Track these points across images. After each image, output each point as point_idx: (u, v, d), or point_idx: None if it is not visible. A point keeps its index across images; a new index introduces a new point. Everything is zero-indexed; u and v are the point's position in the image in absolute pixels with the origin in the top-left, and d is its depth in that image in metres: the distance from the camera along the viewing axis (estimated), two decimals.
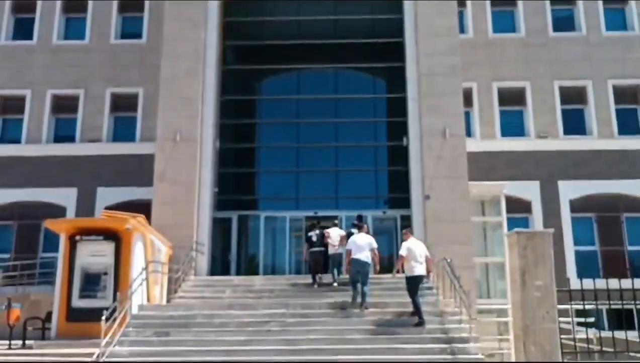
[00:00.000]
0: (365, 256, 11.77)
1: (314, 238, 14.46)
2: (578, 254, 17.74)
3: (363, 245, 11.86)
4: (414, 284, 11.21)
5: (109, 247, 12.73)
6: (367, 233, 13.01)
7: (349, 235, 13.34)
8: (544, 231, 9.03)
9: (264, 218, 17.66)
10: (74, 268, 12.64)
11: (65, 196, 18.33)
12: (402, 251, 11.37)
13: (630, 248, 18.05)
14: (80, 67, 19.35)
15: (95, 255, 12.70)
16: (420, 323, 10.99)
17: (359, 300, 11.83)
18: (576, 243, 17.88)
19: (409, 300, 11.40)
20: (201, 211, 16.28)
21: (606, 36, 19.57)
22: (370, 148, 18.15)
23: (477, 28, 19.69)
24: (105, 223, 13.24)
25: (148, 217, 14.92)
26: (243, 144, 18.50)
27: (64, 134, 19.29)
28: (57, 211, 17.90)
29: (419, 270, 11.25)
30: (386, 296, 12.91)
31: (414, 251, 11.34)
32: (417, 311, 11.08)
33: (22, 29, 20.02)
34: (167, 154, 16.31)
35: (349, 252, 11.95)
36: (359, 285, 11.83)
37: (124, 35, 19.99)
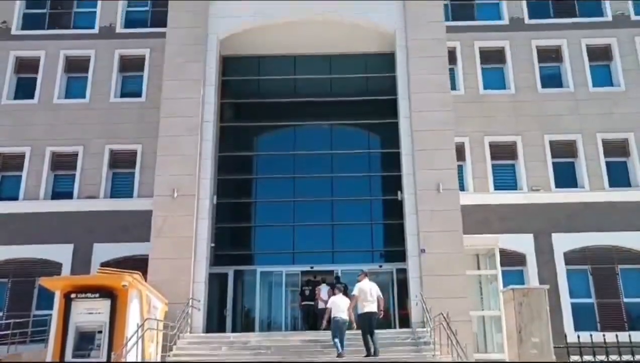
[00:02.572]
0: (344, 314, 12.65)
1: (307, 292, 16.44)
2: (574, 306, 17.65)
3: (341, 306, 12.76)
4: (365, 320, 12.20)
5: (104, 305, 12.59)
6: (345, 294, 13.50)
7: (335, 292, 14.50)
8: (539, 287, 9.16)
9: (260, 272, 17.66)
10: (68, 326, 12.45)
11: (61, 252, 18.20)
12: (355, 291, 12.49)
13: (626, 300, 17.97)
14: (80, 125, 19.59)
15: (90, 312, 12.57)
16: (369, 354, 11.94)
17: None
18: (572, 295, 17.80)
19: (397, 355, 11.57)
20: (197, 266, 16.31)
21: (593, 92, 20.06)
22: (365, 202, 18.33)
23: (468, 85, 20.19)
24: (101, 280, 13.16)
25: (144, 273, 14.91)
26: (240, 199, 18.66)
27: (62, 190, 19.31)
28: (53, 267, 17.80)
29: (370, 307, 12.29)
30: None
31: (366, 291, 12.41)
32: (365, 345, 11.91)
33: (24, 89, 20.32)
34: (164, 210, 16.45)
35: (328, 310, 13.00)
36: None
37: (123, 94, 20.31)
